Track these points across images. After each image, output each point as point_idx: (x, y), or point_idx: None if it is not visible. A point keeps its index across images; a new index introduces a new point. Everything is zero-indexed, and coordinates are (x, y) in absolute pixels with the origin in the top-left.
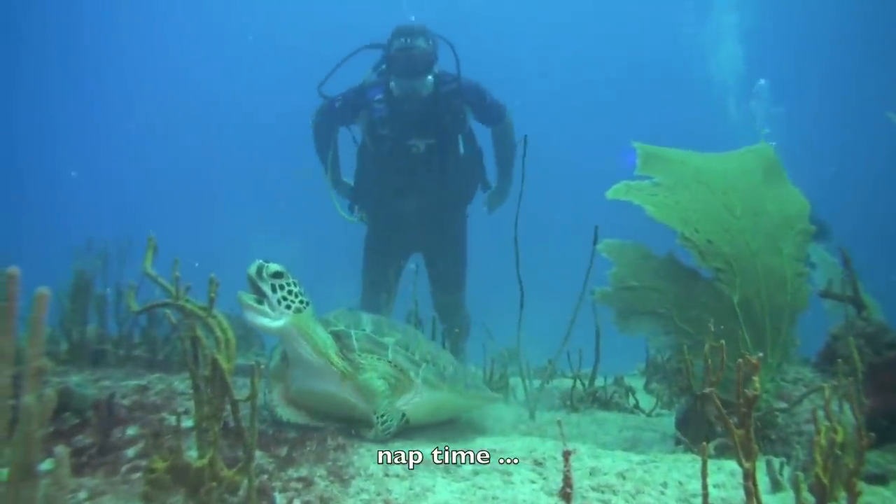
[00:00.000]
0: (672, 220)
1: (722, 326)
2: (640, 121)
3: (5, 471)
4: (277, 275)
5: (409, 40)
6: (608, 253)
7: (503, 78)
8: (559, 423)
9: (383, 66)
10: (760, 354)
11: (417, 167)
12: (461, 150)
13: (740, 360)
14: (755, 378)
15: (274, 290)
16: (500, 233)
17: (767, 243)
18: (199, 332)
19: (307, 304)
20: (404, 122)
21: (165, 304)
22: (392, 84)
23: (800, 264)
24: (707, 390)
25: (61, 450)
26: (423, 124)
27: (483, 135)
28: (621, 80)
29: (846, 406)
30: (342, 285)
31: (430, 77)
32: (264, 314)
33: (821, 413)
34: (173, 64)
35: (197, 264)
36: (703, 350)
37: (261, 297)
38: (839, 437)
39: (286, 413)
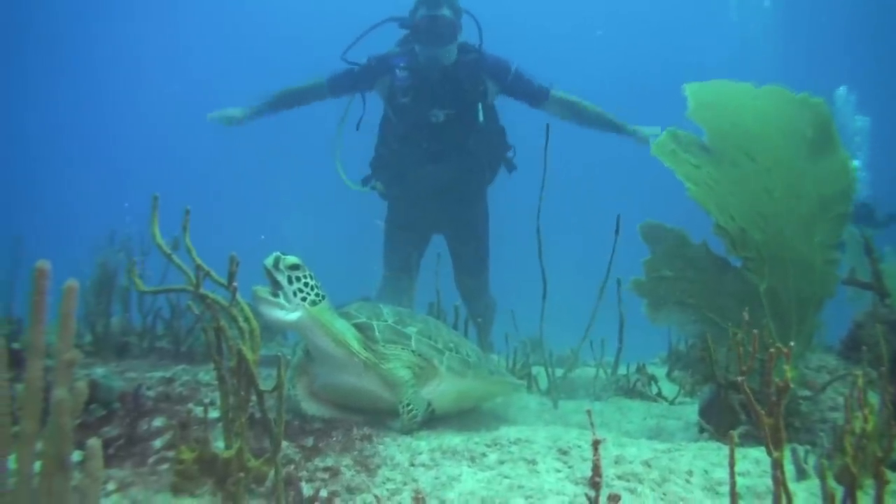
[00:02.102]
0: (709, 204)
1: (746, 315)
2: (664, 107)
3: (38, 463)
4: (294, 267)
5: (433, 8)
6: (646, 236)
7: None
8: (588, 412)
9: (407, 34)
10: (792, 344)
11: (437, 138)
12: (480, 120)
13: (771, 349)
14: (786, 367)
15: (290, 282)
16: (523, 221)
17: (801, 229)
18: (223, 323)
19: (323, 297)
20: (425, 90)
21: (181, 290)
22: (417, 50)
23: (831, 250)
24: (739, 379)
25: (93, 442)
26: (443, 94)
27: (510, 114)
28: (646, 66)
29: (870, 393)
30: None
31: (453, 46)
32: (280, 307)
33: (844, 400)
34: (187, 55)
35: (263, 237)
36: (727, 339)
37: (276, 289)
38: (870, 426)
39: (310, 407)
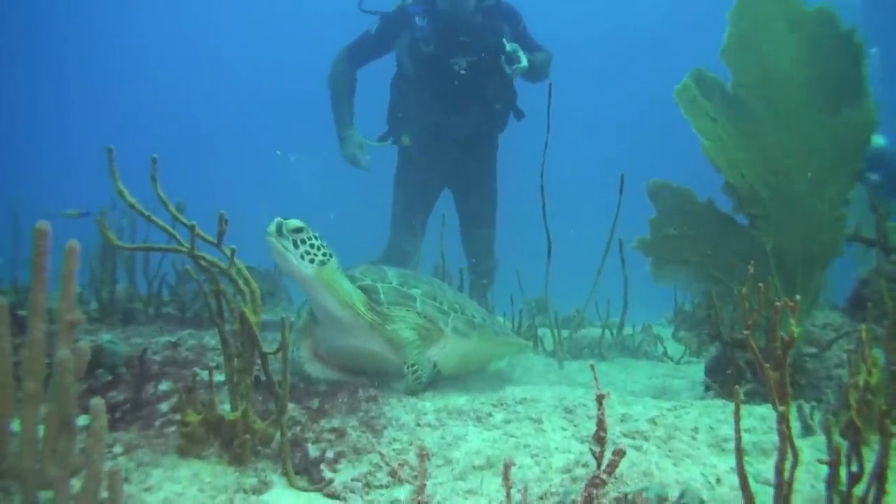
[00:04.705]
0: (720, 161)
1: (752, 269)
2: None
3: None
4: (298, 230)
5: None
6: (652, 194)
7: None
8: (592, 366)
9: None
10: (798, 297)
11: (458, 86)
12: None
13: (777, 303)
14: (792, 321)
15: (296, 246)
16: (529, 182)
17: (812, 186)
18: (223, 286)
19: (330, 256)
20: (447, 38)
21: (164, 249)
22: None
23: (840, 207)
24: (744, 333)
25: (96, 401)
26: (465, 41)
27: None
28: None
29: (874, 349)
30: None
31: None
32: (294, 256)
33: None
34: (196, 24)
35: (293, 157)
36: (732, 297)
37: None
38: (874, 379)
39: (314, 369)
